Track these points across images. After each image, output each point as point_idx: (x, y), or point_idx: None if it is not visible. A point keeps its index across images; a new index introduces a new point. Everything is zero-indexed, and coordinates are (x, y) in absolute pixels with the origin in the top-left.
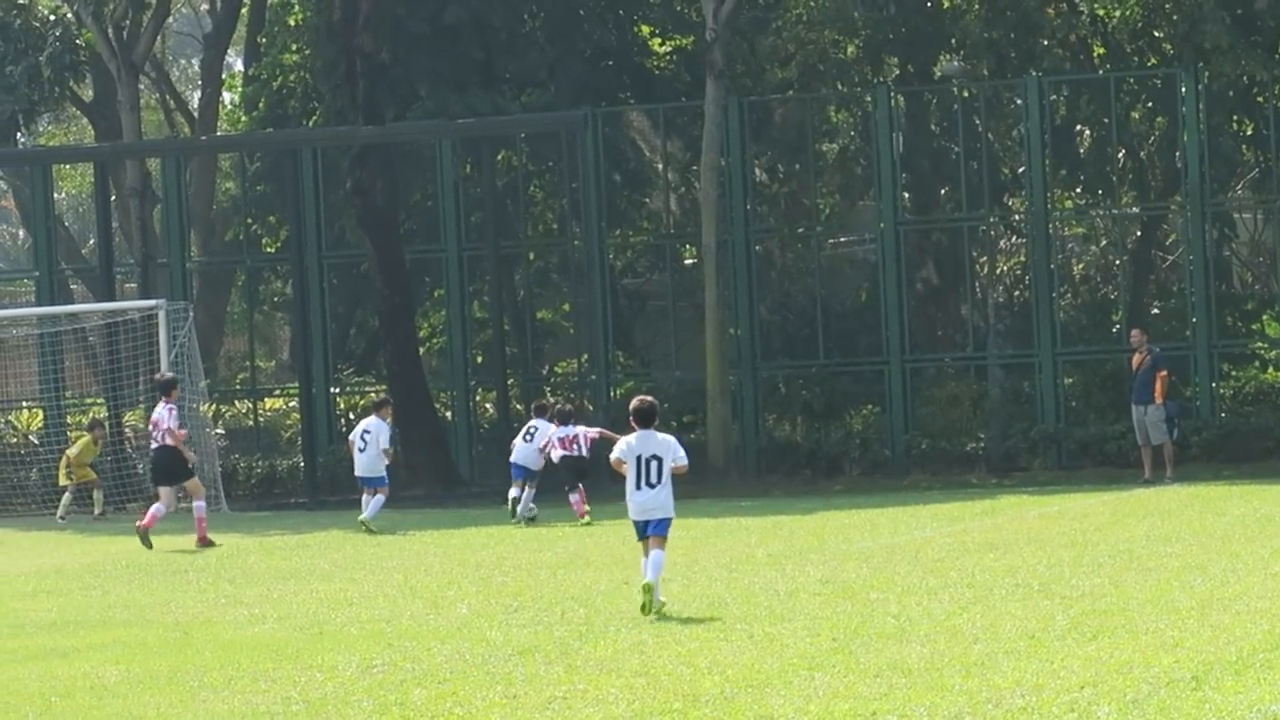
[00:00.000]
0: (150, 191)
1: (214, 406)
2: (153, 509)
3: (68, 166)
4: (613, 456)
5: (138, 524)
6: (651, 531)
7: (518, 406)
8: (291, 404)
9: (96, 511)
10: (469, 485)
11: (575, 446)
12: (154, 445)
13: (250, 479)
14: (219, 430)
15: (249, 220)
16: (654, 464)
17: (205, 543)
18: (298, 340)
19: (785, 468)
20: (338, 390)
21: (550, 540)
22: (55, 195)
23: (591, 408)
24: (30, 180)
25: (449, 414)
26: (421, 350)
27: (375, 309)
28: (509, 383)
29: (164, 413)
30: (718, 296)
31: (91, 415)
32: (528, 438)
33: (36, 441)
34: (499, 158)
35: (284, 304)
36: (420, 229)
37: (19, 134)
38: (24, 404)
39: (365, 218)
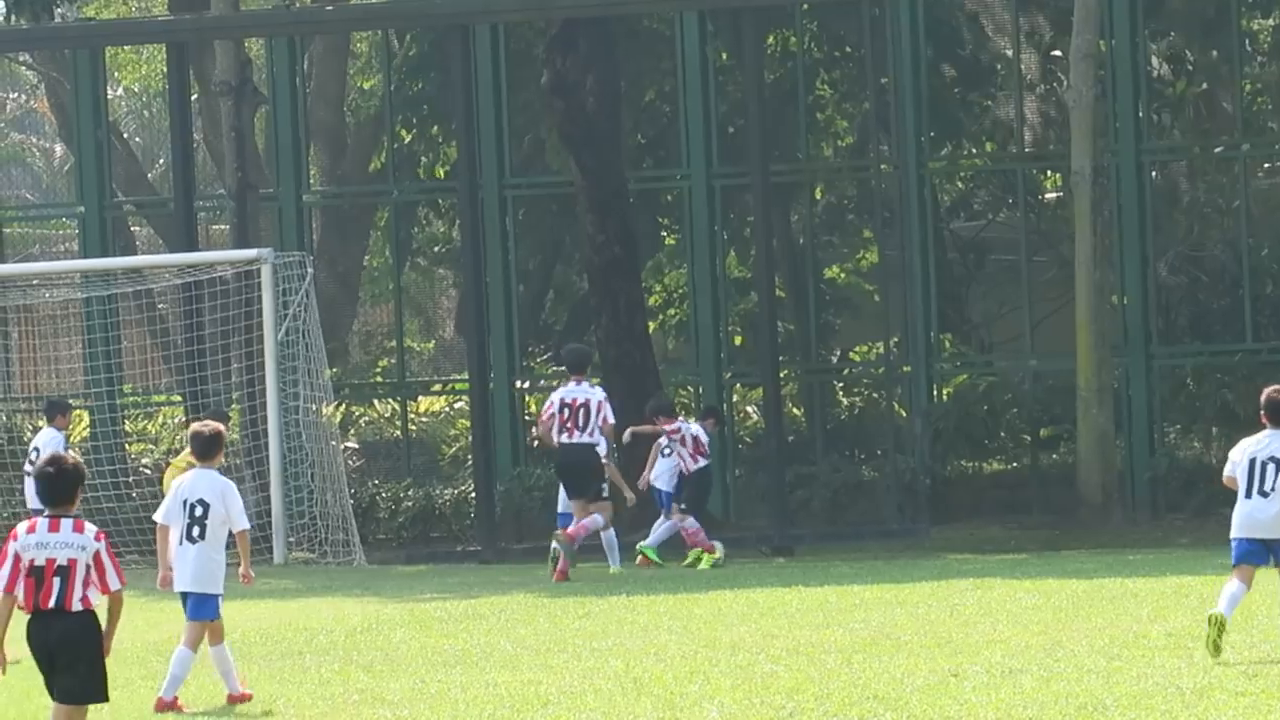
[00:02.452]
0: (250, 88)
1: (342, 409)
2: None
3: (128, 50)
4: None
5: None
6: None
7: (795, 411)
8: (458, 405)
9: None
10: (722, 527)
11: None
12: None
13: (397, 516)
14: (350, 444)
15: (399, 131)
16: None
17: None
18: (468, 311)
19: (1194, 504)
20: (526, 385)
21: (839, 610)
22: (110, 93)
23: (905, 413)
24: (73, 71)
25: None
26: (652, 326)
27: (583, 264)
28: (782, 375)
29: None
30: (1094, 248)
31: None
32: (666, 452)
33: (79, 457)
34: (770, 40)
35: (448, 256)
36: (652, 146)
37: (57, 4)
38: None
39: (570, 129)
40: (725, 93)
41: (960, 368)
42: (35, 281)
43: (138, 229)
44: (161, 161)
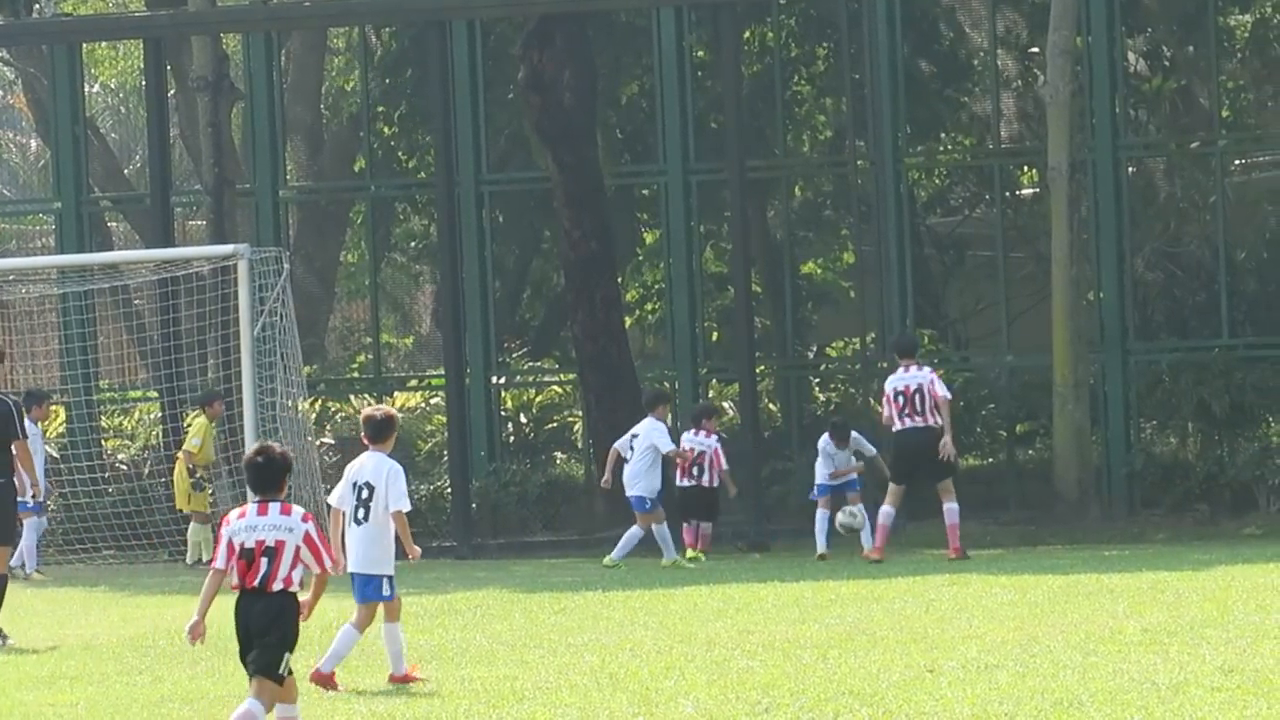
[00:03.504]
0: (227, 84)
1: (317, 404)
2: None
3: (105, 46)
4: None
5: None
6: None
7: (771, 407)
8: (435, 400)
9: (190, 558)
10: None
11: (697, 471)
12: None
13: None
14: (326, 439)
15: (377, 127)
16: None
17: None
18: (445, 307)
19: (1170, 500)
20: (503, 380)
21: (815, 605)
22: (87, 89)
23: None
24: (50, 67)
25: (669, 416)
26: (628, 321)
27: (560, 260)
28: (758, 370)
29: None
30: (1070, 244)
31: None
32: (629, 453)
33: (55, 454)
34: (747, 35)
35: (425, 252)
36: (629, 141)
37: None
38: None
39: (546, 124)
40: (704, 88)
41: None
42: (11, 277)
43: (114, 225)
44: (138, 157)
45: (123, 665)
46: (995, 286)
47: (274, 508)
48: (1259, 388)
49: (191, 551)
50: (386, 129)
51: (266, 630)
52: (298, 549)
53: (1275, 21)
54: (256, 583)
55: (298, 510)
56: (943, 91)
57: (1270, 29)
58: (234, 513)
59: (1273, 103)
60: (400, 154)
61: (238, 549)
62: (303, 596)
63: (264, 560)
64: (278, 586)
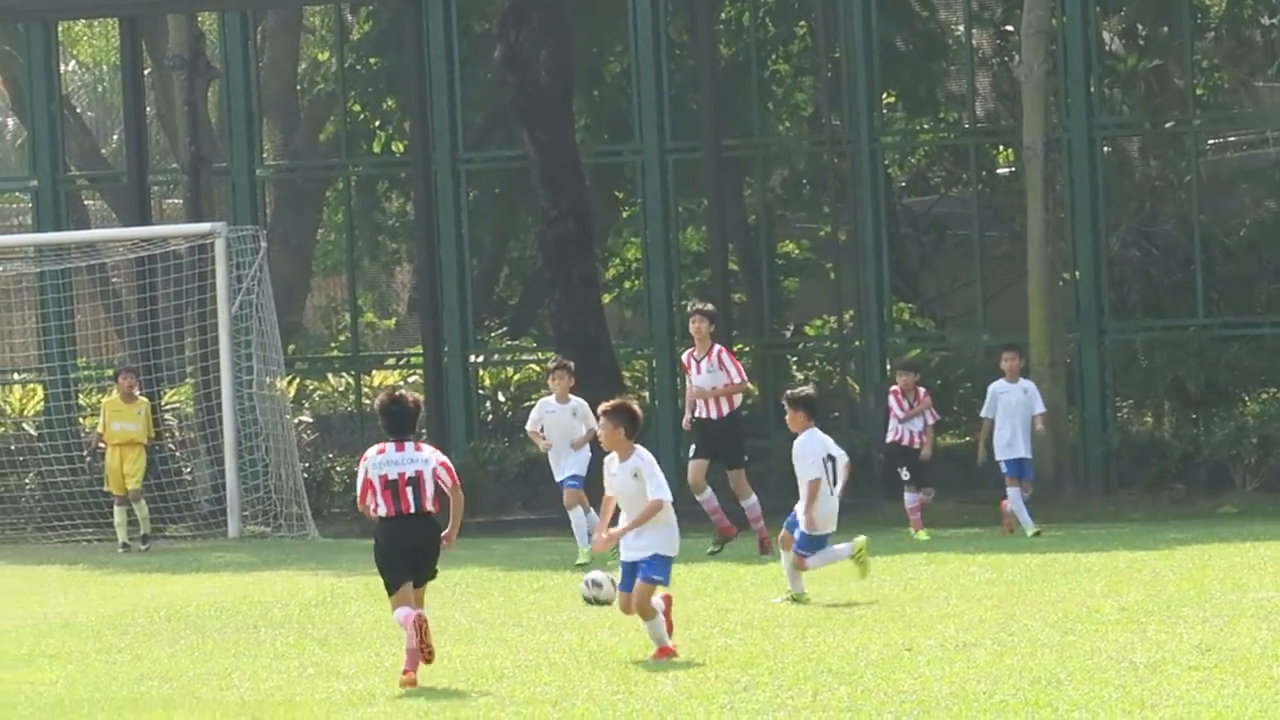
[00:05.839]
0: (204, 63)
1: (295, 383)
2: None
3: (81, 24)
4: None
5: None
6: None
7: (750, 386)
8: (413, 378)
9: (143, 531)
10: (676, 501)
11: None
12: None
13: (350, 490)
14: (304, 417)
15: (352, 107)
16: None
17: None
18: (423, 285)
19: (1147, 479)
20: (480, 359)
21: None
22: (63, 68)
23: (858, 388)
24: (26, 45)
25: (646, 394)
26: (607, 299)
27: (538, 238)
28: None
29: None
30: (1046, 223)
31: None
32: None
33: (33, 431)
34: (725, 15)
35: (402, 230)
36: (606, 120)
37: None
38: (14, 376)
39: (523, 102)
40: (684, 66)
41: (913, 342)
42: None
43: (91, 203)
44: (115, 136)
45: (102, 643)
46: (971, 265)
47: (409, 446)
48: (1234, 367)
49: (142, 524)
50: (362, 108)
51: (428, 547)
52: (435, 473)
53: (1249, 1)
54: (412, 509)
55: (427, 448)
56: (919, 69)
57: (1244, 8)
58: (372, 450)
59: (1246, 82)
60: (377, 132)
61: (377, 481)
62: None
63: (409, 490)
64: (429, 508)
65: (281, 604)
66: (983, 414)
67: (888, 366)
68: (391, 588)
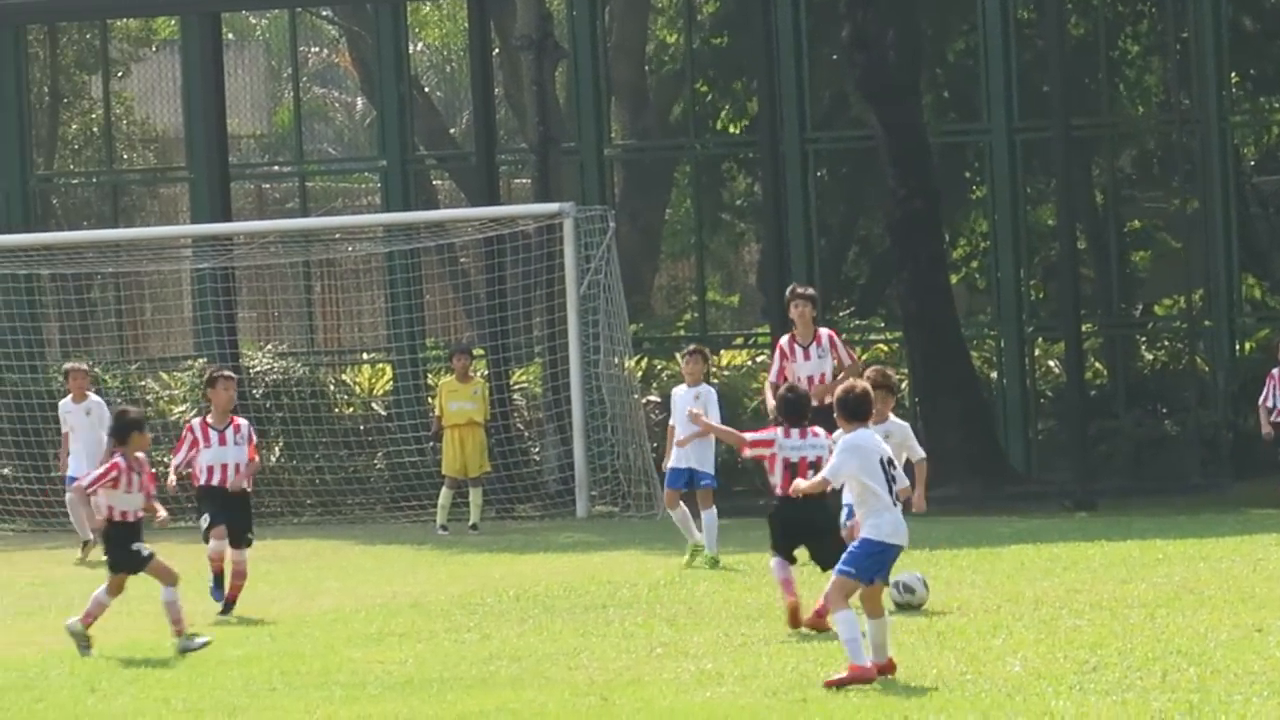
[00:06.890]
0: (552, 43)
1: (642, 362)
2: None
3: (429, 6)
4: None
5: None
6: None
7: (1098, 365)
8: (760, 358)
9: (472, 520)
10: (1024, 482)
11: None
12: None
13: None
14: (652, 397)
15: (700, 88)
16: None
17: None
18: (770, 264)
19: None
20: None
21: (1142, 564)
22: (412, 48)
23: (1208, 368)
24: (376, 26)
25: (994, 375)
26: (954, 279)
27: (885, 218)
28: (1084, 329)
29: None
30: None
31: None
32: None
33: (383, 411)
34: None
35: (750, 210)
36: (954, 100)
37: None
38: (364, 356)
39: (870, 83)
40: (1030, 46)
41: (1263, 322)
42: (338, 235)
43: (439, 183)
44: (464, 116)
45: (451, 623)
46: None
47: (808, 432)
48: None
49: (474, 511)
50: (709, 88)
51: (829, 529)
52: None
53: None
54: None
55: (821, 432)
56: (1270, 45)
57: None
58: (779, 432)
59: None
60: (725, 113)
61: (782, 463)
62: None
63: (810, 472)
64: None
65: (630, 584)
66: None
67: (1236, 346)
68: (777, 552)
